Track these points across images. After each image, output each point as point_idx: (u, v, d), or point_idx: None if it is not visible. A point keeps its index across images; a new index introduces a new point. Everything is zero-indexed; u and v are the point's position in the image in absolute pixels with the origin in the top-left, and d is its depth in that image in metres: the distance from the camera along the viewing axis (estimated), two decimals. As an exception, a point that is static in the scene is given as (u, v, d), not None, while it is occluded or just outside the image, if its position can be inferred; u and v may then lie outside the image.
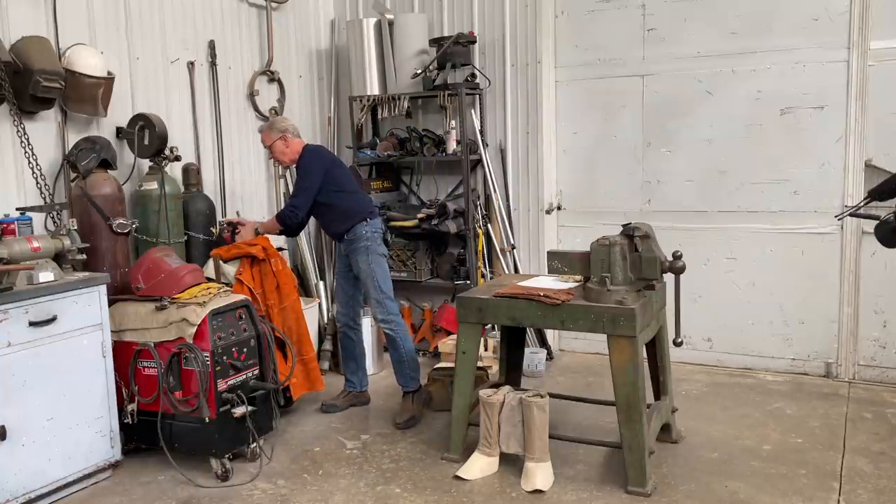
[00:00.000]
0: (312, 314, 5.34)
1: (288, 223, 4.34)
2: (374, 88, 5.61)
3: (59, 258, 3.60)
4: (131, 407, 3.79)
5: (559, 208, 5.62)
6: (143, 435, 3.84)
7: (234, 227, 4.42)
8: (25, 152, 3.76)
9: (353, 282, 4.53)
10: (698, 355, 5.27)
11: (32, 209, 3.78)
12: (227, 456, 3.74)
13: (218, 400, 3.67)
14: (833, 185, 4.79)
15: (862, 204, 3.39)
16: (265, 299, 4.34)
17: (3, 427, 3.23)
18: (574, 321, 3.50)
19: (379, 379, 5.08)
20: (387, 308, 4.41)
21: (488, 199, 5.55)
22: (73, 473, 3.55)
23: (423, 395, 4.51)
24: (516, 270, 5.49)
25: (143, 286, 3.84)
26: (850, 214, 3.44)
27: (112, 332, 3.75)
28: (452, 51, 5.24)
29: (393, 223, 5.52)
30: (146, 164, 4.41)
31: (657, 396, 3.98)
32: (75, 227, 3.72)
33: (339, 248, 4.57)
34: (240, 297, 3.99)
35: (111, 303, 3.79)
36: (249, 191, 5.39)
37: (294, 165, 4.48)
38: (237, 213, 5.15)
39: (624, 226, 3.52)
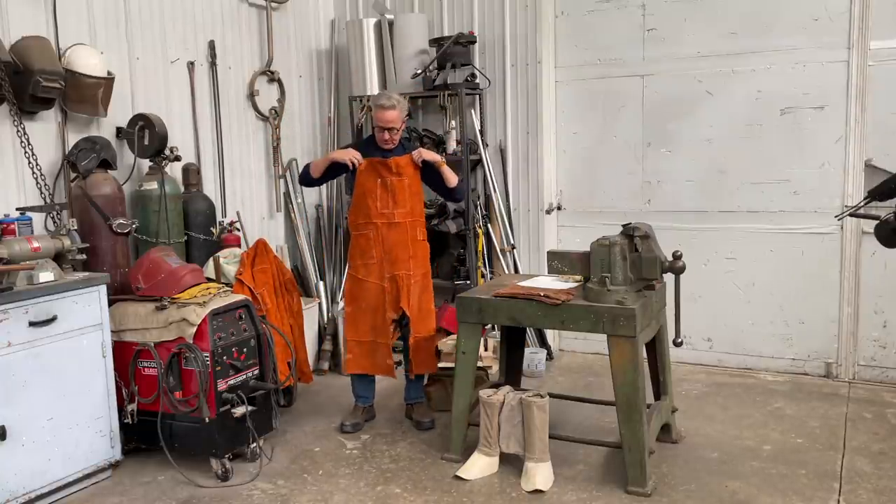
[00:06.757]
0: (312, 314, 5.34)
1: (458, 195, 4.45)
2: (374, 88, 5.59)
3: (59, 258, 3.60)
4: (131, 407, 3.79)
5: (559, 208, 5.62)
6: (143, 435, 3.84)
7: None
8: (25, 152, 3.76)
9: None
10: (698, 355, 5.27)
11: (32, 209, 3.78)
12: (227, 456, 3.74)
13: (218, 400, 3.67)
14: (833, 185, 4.79)
15: (862, 204, 3.38)
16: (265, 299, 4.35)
17: (3, 427, 3.23)
18: (574, 321, 3.50)
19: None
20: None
21: (488, 199, 5.55)
22: (73, 473, 3.55)
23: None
24: (516, 270, 5.49)
25: (143, 286, 3.84)
26: (850, 214, 3.42)
27: (112, 332, 3.75)
28: (452, 51, 5.23)
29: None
30: (146, 164, 4.40)
31: (657, 396, 3.98)
32: (75, 227, 3.72)
33: None
34: (240, 297, 3.99)
35: (111, 303, 3.78)
36: (249, 191, 5.38)
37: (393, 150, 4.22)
38: (237, 212, 5.15)
39: (624, 226, 3.51)
